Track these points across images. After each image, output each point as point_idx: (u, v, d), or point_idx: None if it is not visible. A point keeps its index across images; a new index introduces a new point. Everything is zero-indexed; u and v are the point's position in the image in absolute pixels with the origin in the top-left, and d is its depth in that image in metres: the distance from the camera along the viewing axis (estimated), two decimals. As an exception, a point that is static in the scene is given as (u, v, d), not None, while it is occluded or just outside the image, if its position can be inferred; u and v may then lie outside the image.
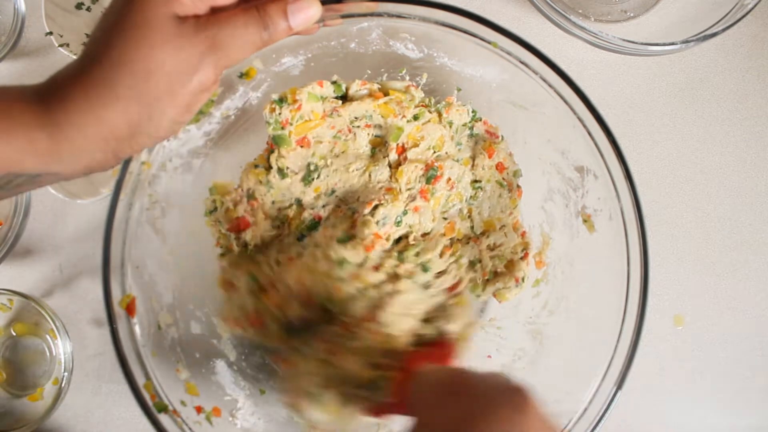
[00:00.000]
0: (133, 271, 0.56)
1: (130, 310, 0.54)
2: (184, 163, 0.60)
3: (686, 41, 0.64)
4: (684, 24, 0.68)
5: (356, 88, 0.62)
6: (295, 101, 0.59)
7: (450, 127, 0.64)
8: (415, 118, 0.62)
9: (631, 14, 0.74)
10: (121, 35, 0.41)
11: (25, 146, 0.40)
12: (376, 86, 0.62)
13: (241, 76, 0.59)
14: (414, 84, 0.64)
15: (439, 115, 0.64)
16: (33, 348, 0.72)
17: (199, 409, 0.57)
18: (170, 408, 0.54)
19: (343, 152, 0.63)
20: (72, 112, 0.41)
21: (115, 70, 0.40)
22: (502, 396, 0.42)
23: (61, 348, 0.68)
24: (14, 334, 0.71)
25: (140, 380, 0.53)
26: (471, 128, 0.66)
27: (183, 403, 0.56)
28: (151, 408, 0.53)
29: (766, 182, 0.74)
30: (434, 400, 0.45)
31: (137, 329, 0.55)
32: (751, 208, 0.74)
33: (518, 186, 0.68)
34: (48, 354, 0.71)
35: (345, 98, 0.63)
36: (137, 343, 0.54)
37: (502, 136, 0.66)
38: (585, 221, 0.62)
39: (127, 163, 0.54)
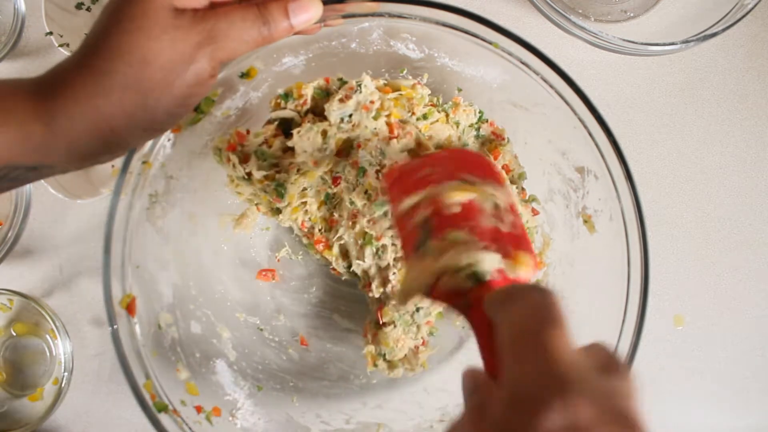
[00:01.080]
0: (134, 271, 0.55)
1: (130, 309, 0.54)
2: (184, 163, 0.60)
3: (686, 41, 0.64)
4: (684, 24, 0.68)
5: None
6: (300, 96, 0.60)
7: (457, 127, 0.64)
8: (425, 117, 0.62)
9: (631, 14, 0.74)
10: (118, 26, 0.41)
11: (21, 138, 0.40)
12: (382, 82, 0.62)
13: (242, 75, 0.59)
14: (420, 82, 0.64)
15: (446, 115, 0.64)
16: (33, 348, 0.72)
17: (199, 409, 0.57)
18: (170, 408, 0.54)
19: None
20: (69, 102, 0.41)
21: (111, 60, 0.41)
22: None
23: (61, 348, 0.68)
24: (14, 334, 0.71)
25: (140, 380, 0.53)
26: (477, 129, 0.66)
27: (183, 402, 0.56)
28: (151, 407, 0.53)
29: (766, 182, 0.74)
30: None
31: (137, 329, 0.55)
32: (751, 208, 0.74)
33: (523, 188, 0.67)
34: (48, 354, 0.71)
35: None
36: (137, 342, 0.54)
37: (508, 138, 0.66)
38: (585, 222, 0.62)
39: (127, 162, 0.54)
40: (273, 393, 0.65)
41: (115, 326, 0.53)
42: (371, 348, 0.63)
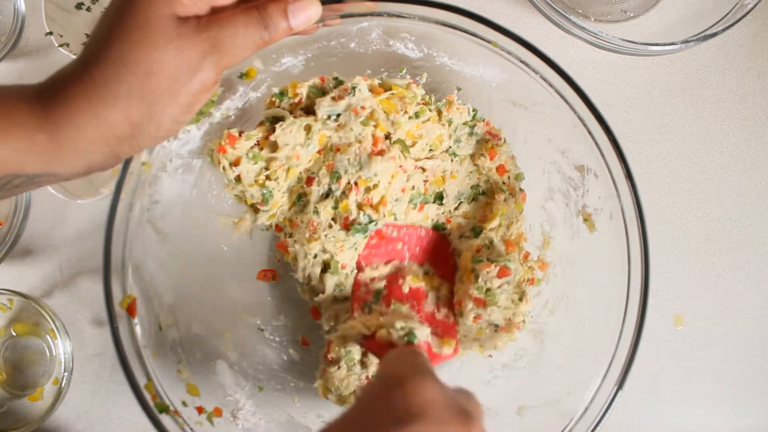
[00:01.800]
0: (134, 272, 0.56)
1: (131, 310, 0.54)
2: (184, 164, 0.60)
3: (686, 41, 0.64)
4: (684, 24, 0.68)
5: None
6: (296, 95, 0.59)
7: (449, 125, 0.64)
8: (416, 115, 0.62)
9: (631, 14, 0.74)
10: (121, 35, 0.41)
11: (24, 147, 0.40)
12: (376, 82, 0.62)
13: (241, 76, 0.59)
14: (416, 81, 0.63)
15: (439, 113, 0.64)
16: (33, 348, 0.72)
17: (200, 410, 0.57)
18: (171, 408, 0.54)
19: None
20: (72, 112, 0.40)
21: (116, 71, 0.40)
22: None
23: (61, 348, 0.68)
24: (14, 334, 0.71)
25: (141, 381, 0.53)
26: (472, 127, 0.66)
27: (184, 403, 0.56)
28: (153, 408, 0.53)
29: (766, 182, 0.74)
30: (387, 386, 0.42)
31: (138, 329, 0.55)
32: (751, 208, 0.74)
33: (521, 189, 0.66)
34: (48, 354, 0.71)
35: None
36: (138, 343, 0.54)
37: (505, 139, 0.66)
38: (585, 220, 0.62)
39: (127, 163, 0.54)
40: (274, 393, 0.65)
41: (116, 327, 0.53)
42: (320, 382, 0.63)
